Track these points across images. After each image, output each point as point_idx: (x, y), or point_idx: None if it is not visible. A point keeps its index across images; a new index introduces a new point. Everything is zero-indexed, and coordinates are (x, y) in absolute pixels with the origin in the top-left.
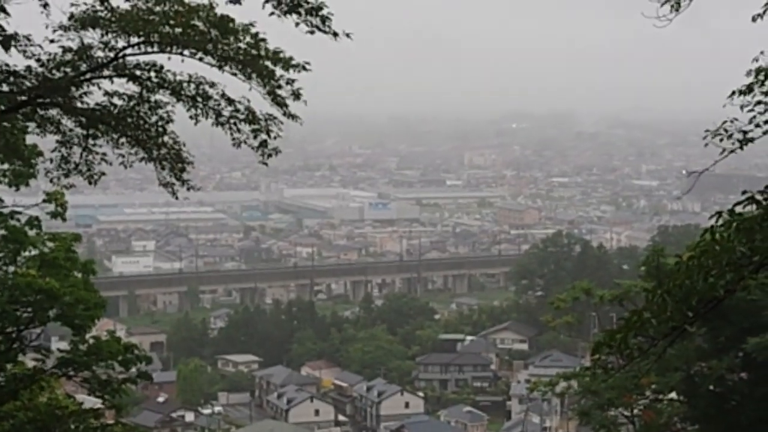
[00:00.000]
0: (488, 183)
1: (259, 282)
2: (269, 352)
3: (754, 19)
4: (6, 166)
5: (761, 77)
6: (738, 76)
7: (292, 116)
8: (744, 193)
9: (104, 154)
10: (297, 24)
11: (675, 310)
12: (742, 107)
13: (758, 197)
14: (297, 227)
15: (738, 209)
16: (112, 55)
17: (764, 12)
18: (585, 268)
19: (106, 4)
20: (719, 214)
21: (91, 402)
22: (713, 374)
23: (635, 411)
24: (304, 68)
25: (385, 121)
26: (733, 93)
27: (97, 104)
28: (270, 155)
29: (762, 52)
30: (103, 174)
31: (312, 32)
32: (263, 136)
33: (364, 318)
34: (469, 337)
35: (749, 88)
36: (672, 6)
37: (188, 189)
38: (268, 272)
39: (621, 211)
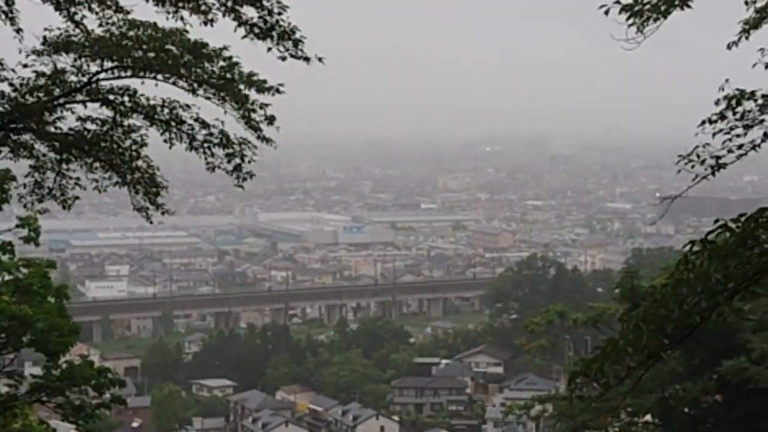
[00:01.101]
0: (463, 206)
1: (233, 306)
2: (244, 377)
3: (729, 47)
4: None
5: (733, 103)
6: (711, 99)
7: (266, 140)
8: (717, 221)
9: (78, 178)
10: (269, 49)
11: (650, 337)
12: (714, 134)
13: (731, 224)
14: (271, 251)
15: (711, 236)
16: (85, 79)
17: (738, 39)
18: (559, 291)
19: (79, 28)
20: (693, 243)
21: (65, 428)
22: (688, 397)
23: None
24: (277, 91)
25: (360, 144)
26: (704, 122)
27: (70, 129)
28: (245, 179)
29: (727, 81)
30: (77, 198)
31: (284, 58)
32: (237, 160)
33: (338, 342)
34: (444, 361)
35: (721, 116)
36: (638, 28)
37: (162, 213)
38: (242, 296)
39: (595, 234)
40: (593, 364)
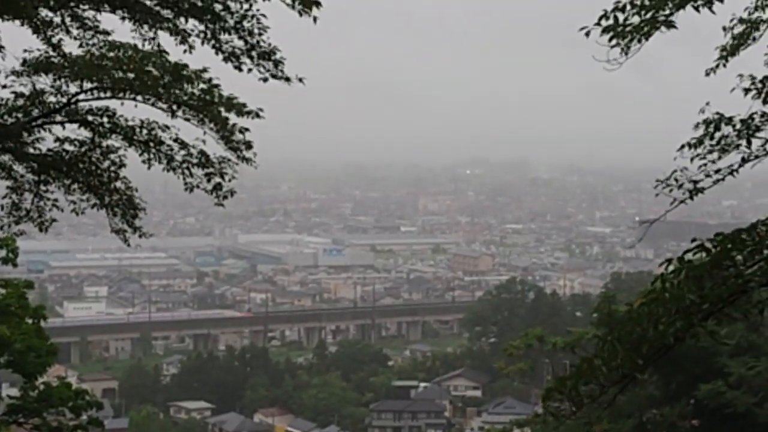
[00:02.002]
0: (442, 229)
1: (212, 328)
2: (222, 399)
3: (707, 74)
4: None
5: (710, 129)
6: (690, 124)
7: (246, 160)
8: (694, 240)
9: (56, 200)
10: (249, 70)
11: (625, 357)
12: (692, 159)
13: (708, 245)
14: (251, 273)
15: (688, 257)
16: (64, 100)
17: (716, 66)
18: (538, 315)
19: (59, 50)
20: (669, 261)
21: None
22: (665, 421)
23: None
24: (257, 115)
25: (340, 166)
26: (683, 146)
27: (49, 150)
28: (225, 197)
29: (707, 103)
30: (54, 221)
31: (265, 80)
32: (217, 179)
33: (317, 364)
34: (422, 384)
35: (699, 141)
36: (622, 49)
37: (140, 236)
38: (221, 318)
39: (574, 258)
40: (567, 382)
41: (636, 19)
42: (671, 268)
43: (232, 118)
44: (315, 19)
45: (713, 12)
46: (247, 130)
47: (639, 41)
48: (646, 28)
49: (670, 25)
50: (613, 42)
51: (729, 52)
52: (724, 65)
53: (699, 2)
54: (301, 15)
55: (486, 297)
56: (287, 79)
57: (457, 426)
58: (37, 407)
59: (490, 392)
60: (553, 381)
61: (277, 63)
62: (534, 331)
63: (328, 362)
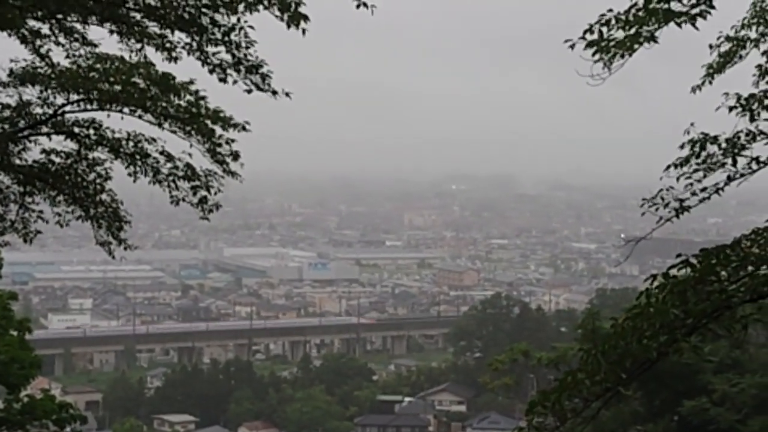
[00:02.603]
0: (428, 244)
1: (196, 341)
2: (206, 412)
3: (693, 91)
4: None
5: (696, 149)
6: (675, 141)
7: (232, 173)
8: (679, 256)
9: (41, 211)
10: (235, 82)
11: (609, 371)
12: (678, 178)
13: (692, 260)
14: (236, 286)
15: (673, 272)
16: (51, 111)
17: (702, 83)
18: (523, 330)
19: (46, 60)
20: (654, 276)
21: None
22: None
23: None
24: (243, 128)
25: (326, 180)
26: (669, 167)
27: (34, 161)
28: (210, 210)
29: (692, 124)
30: (39, 232)
31: (250, 91)
32: (203, 192)
33: (302, 378)
34: (407, 399)
35: (686, 160)
36: (604, 64)
37: (125, 248)
38: (205, 331)
39: (560, 274)
40: (551, 395)
41: (620, 34)
42: (656, 283)
43: (219, 130)
44: (304, 31)
45: (696, 28)
46: (233, 141)
47: (622, 56)
48: (629, 43)
49: (653, 39)
50: (597, 56)
51: (715, 69)
52: (710, 83)
53: (683, 18)
54: (289, 27)
55: (471, 312)
56: (274, 93)
57: None
58: (20, 419)
59: (474, 407)
60: (537, 395)
61: (264, 76)
62: (519, 346)
63: (312, 376)
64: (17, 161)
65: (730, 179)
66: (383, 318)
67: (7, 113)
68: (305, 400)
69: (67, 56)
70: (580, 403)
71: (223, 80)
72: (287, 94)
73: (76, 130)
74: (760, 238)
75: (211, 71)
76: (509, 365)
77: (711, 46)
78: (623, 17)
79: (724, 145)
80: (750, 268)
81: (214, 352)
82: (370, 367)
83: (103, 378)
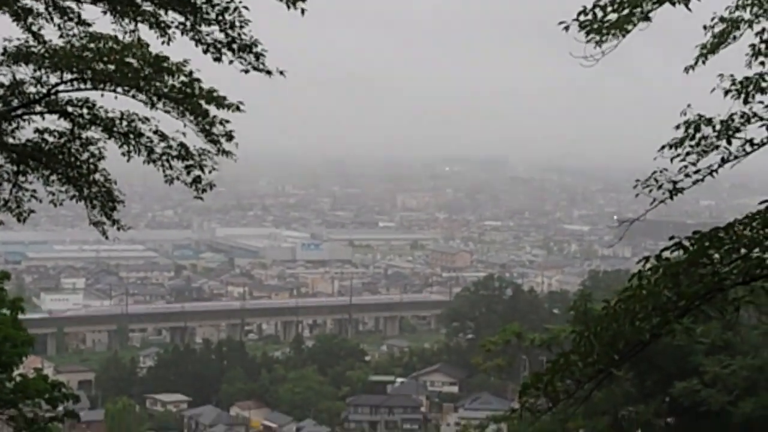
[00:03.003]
0: (421, 225)
1: (189, 321)
2: (198, 392)
3: (686, 71)
4: None
5: (691, 130)
6: (669, 124)
7: (226, 152)
8: (672, 238)
9: (34, 191)
10: (231, 62)
11: (601, 353)
12: (672, 159)
13: (685, 243)
14: (228, 266)
15: (665, 254)
16: (44, 90)
17: (695, 63)
18: (516, 312)
19: (40, 39)
20: (647, 259)
21: None
22: (640, 418)
23: None
24: (238, 109)
25: (319, 161)
26: (664, 147)
27: (28, 140)
28: (204, 190)
29: (689, 105)
30: (33, 212)
31: (246, 71)
32: (197, 171)
33: (294, 358)
34: (399, 379)
35: (680, 142)
36: (597, 44)
37: (118, 229)
38: (198, 311)
39: (552, 256)
40: (544, 377)
41: (614, 16)
42: (648, 265)
43: (212, 110)
44: (303, 11)
45: (689, 9)
46: (227, 121)
47: (616, 37)
48: (623, 24)
49: (647, 18)
50: (590, 37)
51: (709, 50)
52: (704, 62)
53: None
54: (289, 8)
55: (464, 293)
56: (268, 72)
57: (434, 421)
58: (13, 398)
59: (466, 388)
60: (530, 376)
61: (258, 55)
62: (512, 327)
63: (304, 356)
64: (10, 140)
65: (724, 161)
66: (376, 298)
67: (0, 92)
68: (297, 380)
69: (61, 35)
70: (572, 384)
71: (218, 59)
72: (281, 73)
73: (70, 109)
74: (753, 221)
75: (205, 51)
76: (501, 346)
77: (705, 27)
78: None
79: (718, 127)
80: (743, 251)
81: (206, 332)
82: (363, 348)
83: (96, 357)
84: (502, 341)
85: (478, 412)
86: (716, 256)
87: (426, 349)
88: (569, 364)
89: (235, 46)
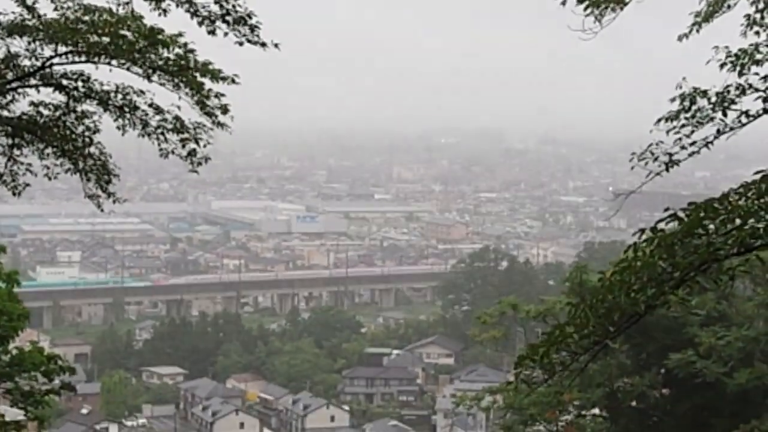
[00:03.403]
0: (416, 197)
1: (185, 294)
2: (194, 365)
3: (680, 39)
4: None
5: (686, 103)
6: (664, 95)
7: (221, 125)
8: (667, 209)
9: (29, 164)
10: (226, 34)
11: (597, 324)
12: (668, 132)
13: (680, 214)
14: (224, 239)
15: (661, 226)
16: (39, 63)
17: (689, 32)
18: (511, 284)
19: (34, 12)
20: (642, 230)
21: (13, 413)
22: (635, 390)
23: (558, 426)
24: (233, 81)
25: (314, 134)
26: (660, 120)
27: (23, 114)
28: (199, 164)
29: (684, 78)
30: (28, 185)
31: (241, 44)
32: (192, 145)
33: (290, 331)
34: (395, 351)
35: (676, 115)
36: (596, 18)
37: (114, 202)
38: (194, 284)
39: (548, 227)
40: (539, 349)
41: None
42: (644, 237)
43: (208, 83)
44: None
45: None
46: (222, 95)
47: (613, 10)
48: None
49: None
50: (588, 11)
51: (703, 18)
52: (698, 31)
53: None
54: None
55: (459, 265)
56: (263, 45)
57: (429, 393)
58: (9, 371)
59: (462, 360)
60: (525, 348)
61: (252, 28)
62: (507, 299)
63: (300, 329)
64: (5, 113)
65: (719, 133)
66: (371, 271)
67: None
68: (293, 353)
69: (55, 8)
70: (567, 356)
71: (212, 32)
72: (276, 46)
73: (65, 82)
74: (748, 191)
75: (200, 23)
76: (497, 318)
77: None
78: None
79: (713, 99)
80: (738, 221)
81: (202, 304)
82: (359, 320)
83: (92, 331)
84: (497, 313)
85: (474, 384)
86: (711, 226)
87: (422, 321)
88: (564, 336)
89: (229, 18)
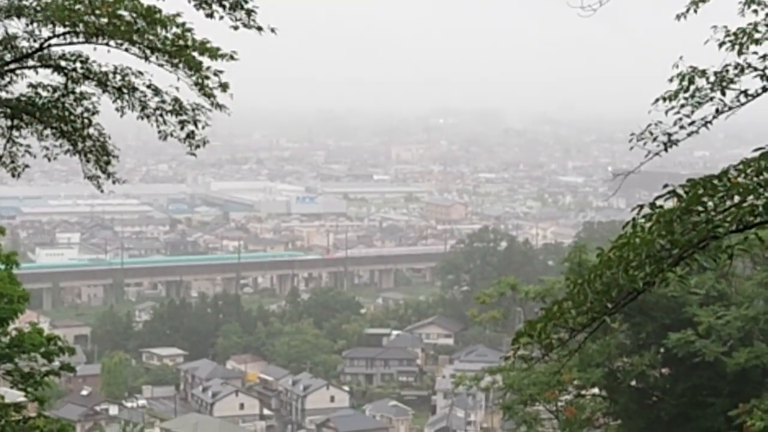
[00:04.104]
0: (415, 178)
1: (184, 275)
2: (194, 346)
3: (678, 18)
4: None
5: (685, 83)
6: (662, 75)
7: (220, 106)
8: (665, 186)
9: (28, 146)
10: (221, 18)
11: (595, 301)
12: (666, 112)
13: (679, 191)
14: (223, 220)
15: (659, 202)
16: (37, 45)
17: (687, 11)
18: (511, 264)
19: None
20: (641, 207)
21: (13, 395)
22: (634, 370)
23: (558, 406)
24: (232, 58)
25: (313, 115)
26: (658, 100)
27: (21, 95)
28: (198, 146)
29: (681, 58)
30: (27, 167)
31: (236, 28)
32: (190, 126)
33: (290, 312)
34: (395, 332)
35: (675, 94)
36: None
37: (113, 182)
38: (194, 265)
39: (547, 207)
40: (537, 325)
41: None
42: (642, 213)
43: (206, 62)
44: None
45: None
46: (221, 72)
47: None
48: None
49: None
50: None
51: None
52: (695, 11)
53: None
54: None
55: (459, 246)
56: (259, 28)
57: (429, 373)
58: (9, 353)
59: (461, 340)
60: (523, 324)
61: (249, 12)
62: (507, 279)
63: (300, 310)
64: (4, 95)
65: (718, 112)
66: (371, 251)
67: None
68: (293, 334)
69: None
70: (566, 333)
71: (210, 15)
72: (272, 30)
73: (63, 63)
74: (748, 168)
75: (197, 6)
76: (497, 299)
77: None
78: None
79: (712, 78)
80: (737, 198)
81: (202, 285)
82: (358, 301)
83: (92, 312)
84: (496, 294)
85: (474, 364)
86: (710, 203)
87: (421, 302)
88: (562, 312)
89: (226, 3)
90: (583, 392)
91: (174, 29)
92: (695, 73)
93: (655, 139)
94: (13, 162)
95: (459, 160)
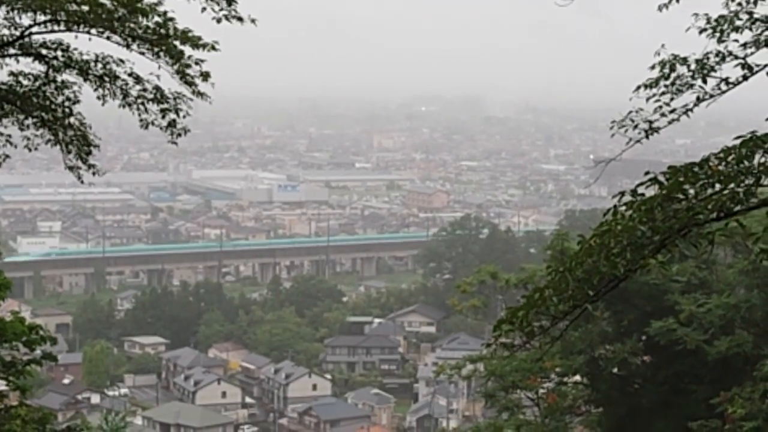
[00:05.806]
0: (397, 166)
1: (166, 263)
2: (176, 334)
3: (660, 9)
4: None
5: (666, 70)
6: (643, 63)
7: (201, 94)
8: (647, 172)
9: (9, 135)
10: (203, 9)
11: (576, 288)
12: (647, 99)
13: (660, 178)
14: (205, 209)
15: (641, 190)
16: (17, 33)
17: (669, 1)
18: (493, 252)
19: None
20: (622, 194)
21: None
22: (616, 357)
23: (540, 393)
24: (213, 48)
25: (295, 103)
26: (639, 87)
27: (2, 83)
28: (179, 135)
29: (663, 45)
30: (8, 157)
31: (219, 20)
32: (172, 115)
33: (272, 300)
34: (376, 320)
35: (656, 82)
36: None
37: (93, 174)
38: (175, 254)
39: (529, 195)
40: (518, 312)
41: None
42: (624, 200)
43: (188, 51)
44: None
45: None
46: (203, 61)
47: None
48: None
49: None
50: None
51: None
52: (677, 1)
53: None
54: None
55: (440, 233)
56: (240, 19)
57: (411, 361)
58: None
59: (443, 328)
60: (505, 312)
61: (230, 2)
62: (487, 267)
63: (282, 298)
64: None
65: (699, 100)
66: (352, 239)
67: None
68: (275, 322)
69: None
70: (547, 321)
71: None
72: (253, 21)
73: (44, 51)
74: (728, 156)
75: None
76: (477, 287)
77: None
78: None
79: (693, 66)
80: (717, 185)
81: (183, 274)
82: (340, 289)
83: (73, 300)
84: (476, 282)
85: (456, 352)
86: (691, 191)
87: (403, 290)
88: (544, 300)
89: None
90: (565, 379)
91: (155, 18)
92: (676, 61)
93: (636, 127)
94: None
95: (441, 148)
